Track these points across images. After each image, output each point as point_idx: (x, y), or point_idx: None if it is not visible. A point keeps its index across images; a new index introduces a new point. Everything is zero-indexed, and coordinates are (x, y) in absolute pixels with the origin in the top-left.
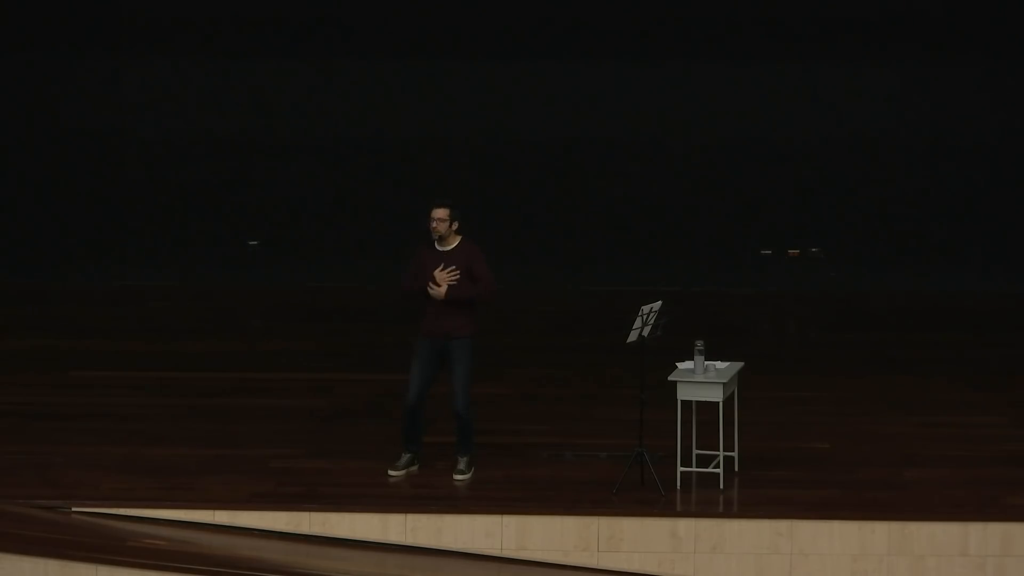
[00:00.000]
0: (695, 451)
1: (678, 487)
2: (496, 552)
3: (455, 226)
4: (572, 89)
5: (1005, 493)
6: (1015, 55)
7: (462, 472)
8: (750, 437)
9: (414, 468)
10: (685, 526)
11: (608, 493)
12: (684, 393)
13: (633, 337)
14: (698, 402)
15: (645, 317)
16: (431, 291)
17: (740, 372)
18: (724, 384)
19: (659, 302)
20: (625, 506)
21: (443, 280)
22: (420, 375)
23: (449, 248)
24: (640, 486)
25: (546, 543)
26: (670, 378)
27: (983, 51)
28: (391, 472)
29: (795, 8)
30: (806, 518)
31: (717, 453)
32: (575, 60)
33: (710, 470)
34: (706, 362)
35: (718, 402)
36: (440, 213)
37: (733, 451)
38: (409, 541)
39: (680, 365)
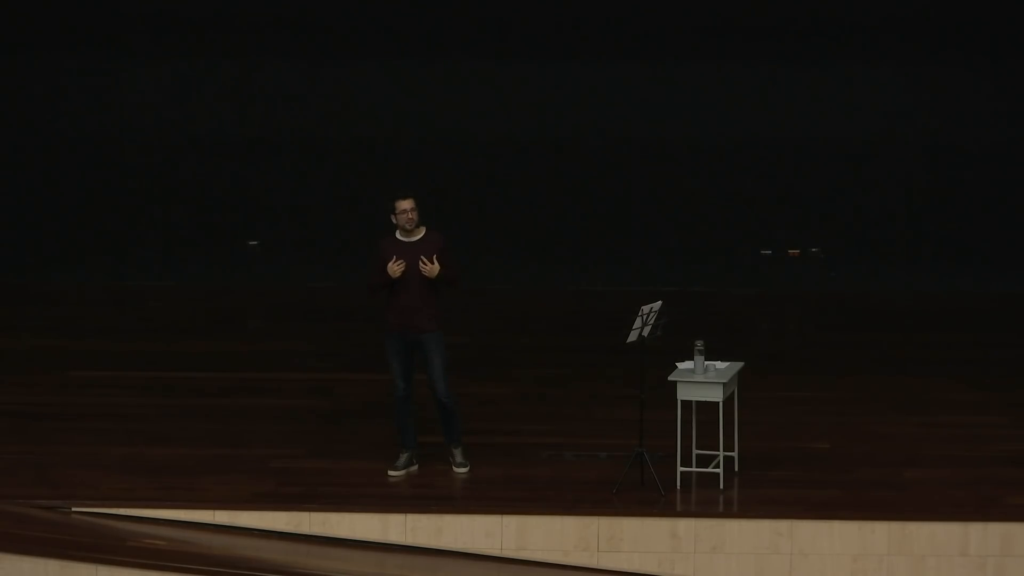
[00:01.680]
0: (695, 451)
1: (678, 487)
2: (496, 552)
3: None
4: (572, 89)
5: (1005, 493)
6: (1015, 56)
7: (462, 464)
8: (750, 437)
9: (414, 468)
10: (685, 526)
11: (608, 493)
12: (684, 393)
13: (633, 337)
14: (698, 402)
15: (645, 317)
16: (423, 268)
17: (740, 372)
18: (724, 384)
19: (659, 302)
20: (625, 506)
21: (432, 272)
22: (401, 366)
23: (417, 238)
24: (640, 486)
25: (546, 543)
26: (670, 378)
27: (983, 52)
28: (391, 473)
29: (795, 8)
30: (806, 518)
31: (717, 453)
32: (575, 60)
33: (710, 470)
34: (706, 362)
35: (718, 402)
36: (410, 203)
37: (733, 451)
38: (409, 541)
39: (680, 365)
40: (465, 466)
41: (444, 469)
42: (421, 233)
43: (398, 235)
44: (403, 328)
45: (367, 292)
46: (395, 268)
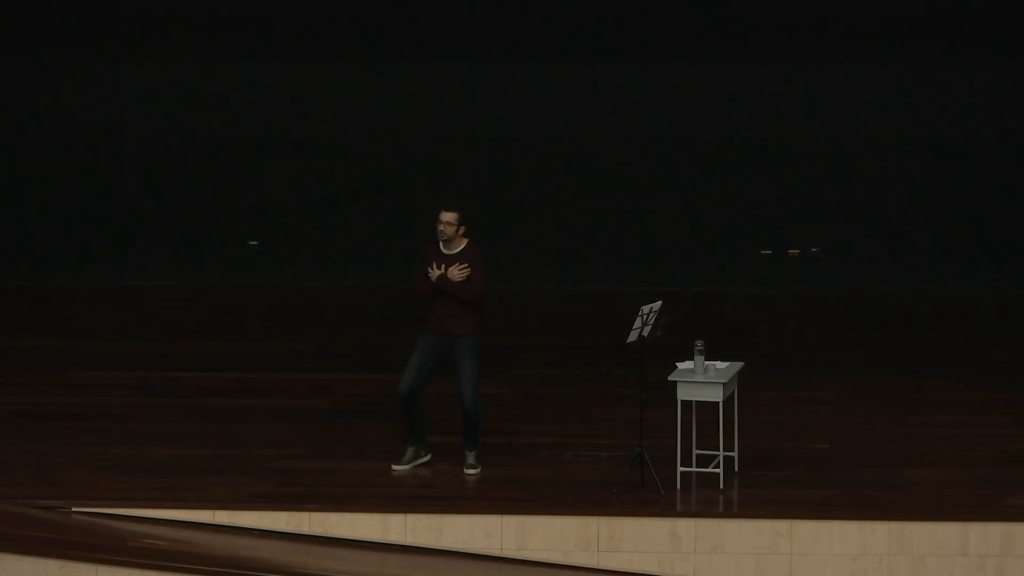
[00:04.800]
0: (695, 451)
1: (678, 487)
2: (496, 552)
3: (462, 230)
4: (572, 89)
5: (1005, 493)
6: (1015, 56)
7: (472, 467)
8: (750, 437)
9: (419, 460)
10: (685, 526)
11: (608, 493)
12: (684, 393)
13: (633, 337)
14: (698, 402)
15: (645, 317)
16: (430, 271)
17: (740, 372)
18: (724, 384)
19: (659, 302)
20: (625, 506)
21: (454, 275)
22: (417, 366)
23: (455, 251)
24: (640, 486)
25: (546, 543)
26: (670, 378)
27: (983, 51)
28: (395, 467)
29: (795, 8)
30: (806, 518)
31: (717, 453)
32: (575, 60)
33: (710, 470)
34: (706, 362)
35: (718, 402)
36: (448, 217)
37: (733, 451)
38: (409, 541)
39: (680, 365)
40: (475, 469)
41: (444, 469)
42: (461, 246)
43: (440, 243)
44: (436, 331)
45: (413, 293)
46: (433, 273)
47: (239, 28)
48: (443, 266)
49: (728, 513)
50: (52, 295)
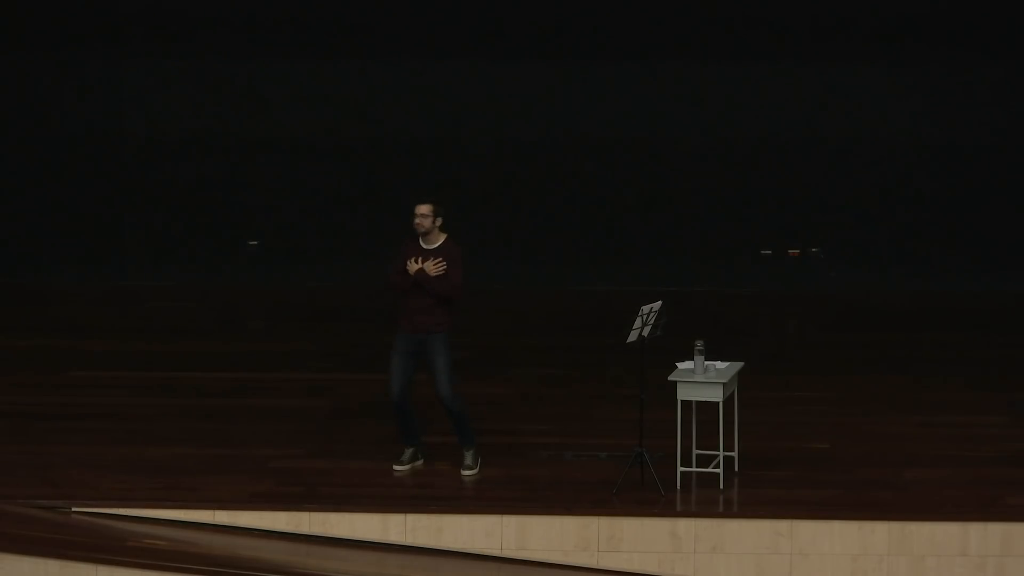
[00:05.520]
0: (695, 451)
1: (678, 487)
2: (496, 552)
3: (438, 222)
4: (572, 89)
5: (1005, 493)
6: (1016, 56)
7: (470, 467)
8: (750, 437)
9: (419, 462)
10: (685, 526)
11: (608, 493)
12: (684, 393)
13: (633, 337)
14: (698, 402)
15: (645, 317)
16: (409, 265)
17: (740, 372)
18: (724, 384)
19: (659, 302)
20: (625, 506)
21: (430, 269)
22: (399, 369)
23: (434, 246)
24: (640, 486)
25: (546, 543)
26: (670, 378)
27: (982, 52)
28: (396, 467)
29: (796, 8)
30: (806, 518)
31: (717, 453)
32: (575, 60)
33: (710, 470)
34: (706, 362)
35: (718, 402)
36: (423, 209)
37: (733, 451)
38: (409, 541)
39: (680, 365)
40: (472, 469)
41: (444, 469)
42: (439, 241)
43: (419, 238)
44: (409, 330)
45: (387, 285)
46: (412, 266)
47: (239, 28)
48: (420, 260)
49: (728, 513)
50: (52, 295)
